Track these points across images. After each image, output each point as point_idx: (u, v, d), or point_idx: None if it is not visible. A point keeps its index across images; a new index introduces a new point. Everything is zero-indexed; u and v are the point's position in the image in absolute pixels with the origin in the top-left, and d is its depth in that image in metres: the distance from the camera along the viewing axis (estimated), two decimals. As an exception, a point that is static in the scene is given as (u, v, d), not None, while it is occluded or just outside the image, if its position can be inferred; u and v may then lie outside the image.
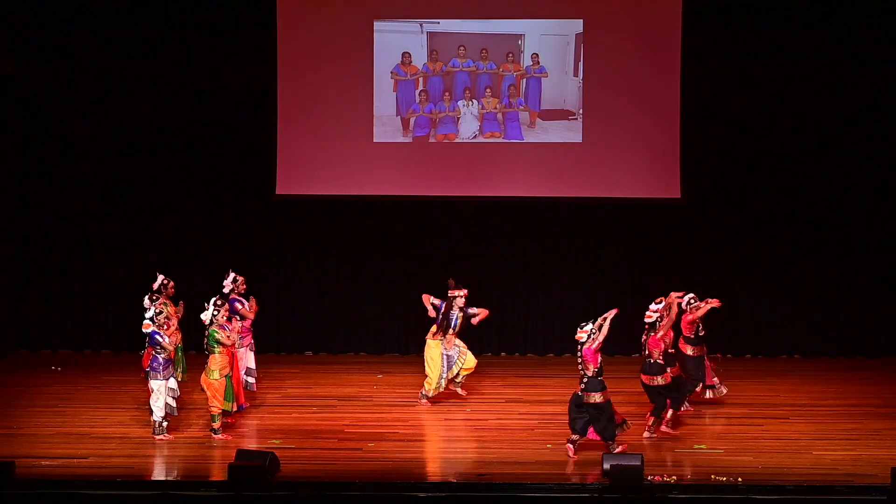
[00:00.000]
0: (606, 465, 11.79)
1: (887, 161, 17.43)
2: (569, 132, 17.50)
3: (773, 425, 14.38)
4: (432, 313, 15.24)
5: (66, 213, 17.81)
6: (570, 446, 13.16)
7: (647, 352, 13.80)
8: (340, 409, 15.12)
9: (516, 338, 18.04)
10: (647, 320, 13.84)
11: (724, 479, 12.35)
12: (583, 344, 13.13)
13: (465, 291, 15.24)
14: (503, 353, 18.04)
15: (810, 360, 17.58)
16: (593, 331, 13.14)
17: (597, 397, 13.06)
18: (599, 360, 13.09)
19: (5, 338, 17.81)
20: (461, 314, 15.21)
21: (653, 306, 13.93)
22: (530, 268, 17.92)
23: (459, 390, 15.42)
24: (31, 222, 17.85)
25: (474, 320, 15.34)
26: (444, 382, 15.22)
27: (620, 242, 17.79)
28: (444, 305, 15.20)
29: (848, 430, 14.21)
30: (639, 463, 11.79)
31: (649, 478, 12.01)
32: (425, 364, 15.26)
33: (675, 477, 12.30)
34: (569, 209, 17.73)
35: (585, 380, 13.10)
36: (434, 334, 15.23)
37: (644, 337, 13.86)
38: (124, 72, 17.53)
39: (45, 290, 17.95)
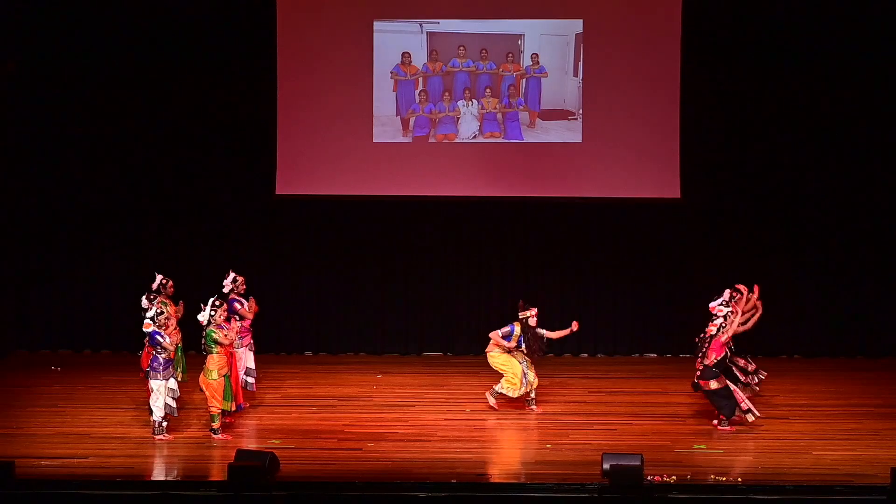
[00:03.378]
0: (606, 465, 11.78)
1: (888, 161, 17.42)
2: (569, 132, 17.49)
3: (773, 425, 14.36)
4: (513, 345, 14.69)
5: (66, 212, 17.79)
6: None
7: (704, 354, 13.97)
8: (340, 409, 15.11)
9: (516, 338, 18.01)
10: (717, 314, 14.09)
11: (724, 479, 12.37)
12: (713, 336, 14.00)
13: (536, 311, 14.73)
14: (503, 354, 18.02)
15: (810, 360, 17.57)
16: (723, 325, 14.00)
17: (713, 384, 13.98)
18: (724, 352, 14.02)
19: (5, 338, 17.79)
20: (531, 334, 14.74)
21: (718, 304, 14.14)
22: (530, 268, 17.89)
23: (534, 406, 14.88)
24: (31, 222, 17.83)
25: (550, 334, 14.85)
26: (526, 382, 14.70)
27: (620, 242, 17.77)
28: (515, 328, 14.69)
29: (848, 430, 14.21)
30: (639, 463, 11.78)
31: (649, 478, 12.01)
32: (500, 370, 14.71)
33: (675, 477, 12.29)
34: (569, 209, 17.71)
35: (702, 368, 14.00)
36: (504, 350, 14.70)
37: (703, 337, 14.05)
38: (124, 71, 17.50)
39: (45, 290, 17.94)
